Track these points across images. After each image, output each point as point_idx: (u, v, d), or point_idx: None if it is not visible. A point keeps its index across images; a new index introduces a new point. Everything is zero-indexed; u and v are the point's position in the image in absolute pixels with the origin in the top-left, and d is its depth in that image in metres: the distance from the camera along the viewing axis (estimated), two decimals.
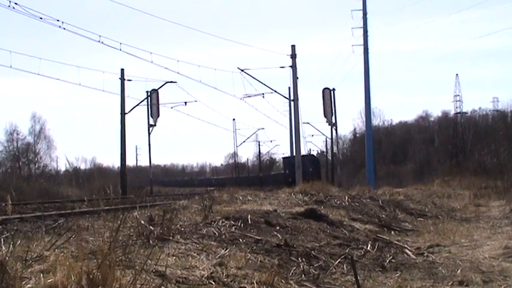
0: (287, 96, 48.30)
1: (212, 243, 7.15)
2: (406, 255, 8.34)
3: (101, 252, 4.74)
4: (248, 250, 7.07)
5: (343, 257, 7.63)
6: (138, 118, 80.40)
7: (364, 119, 52.97)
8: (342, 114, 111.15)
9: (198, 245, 6.84)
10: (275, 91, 39.45)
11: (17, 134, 64.44)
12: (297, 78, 36.48)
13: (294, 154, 40.27)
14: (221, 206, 11.42)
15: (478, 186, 26.61)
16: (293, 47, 36.37)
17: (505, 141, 48.49)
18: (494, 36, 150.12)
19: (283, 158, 64.74)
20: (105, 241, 5.13)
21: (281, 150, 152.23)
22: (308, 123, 61.55)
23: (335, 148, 53.82)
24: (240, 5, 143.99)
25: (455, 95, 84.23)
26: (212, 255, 6.48)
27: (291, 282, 5.91)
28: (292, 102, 40.42)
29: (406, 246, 9.19)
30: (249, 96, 40.90)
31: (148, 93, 44.53)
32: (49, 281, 4.36)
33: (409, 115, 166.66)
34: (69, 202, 23.94)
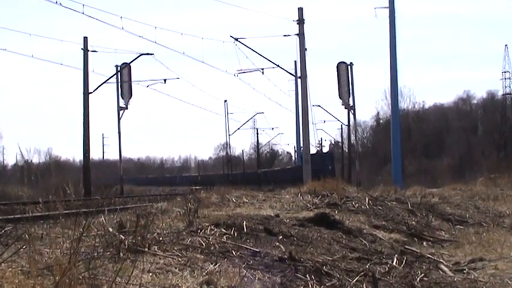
0: (293, 72, 48.29)
1: (198, 256, 7.16)
2: (441, 272, 8.35)
3: (58, 267, 4.73)
4: (243, 265, 7.07)
5: (362, 274, 7.63)
6: (105, 99, 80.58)
7: (389, 101, 52.94)
8: (361, 95, 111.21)
9: (180, 259, 6.84)
10: (278, 66, 39.43)
11: None
12: (306, 49, 36.47)
13: (302, 144, 40.28)
14: (209, 209, 11.41)
15: None
16: (300, 10, 36.29)
17: None
18: None
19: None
20: (64, 253, 5.13)
21: (285, 140, 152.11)
22: (319, 106, 61.39)
23: (353, 137, 53.94)
24: None
25: (504, 72, 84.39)
26: (198, 272, 6.48)
27: None
28: (299, 80, 40.39)
29: (441, 260, 9.20)
30: (245, 72, 40.93)
31: (118, 68, 44.47)
32: None
33: (446, 96, 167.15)
34: (19, 204, 23.89)
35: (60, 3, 29.17)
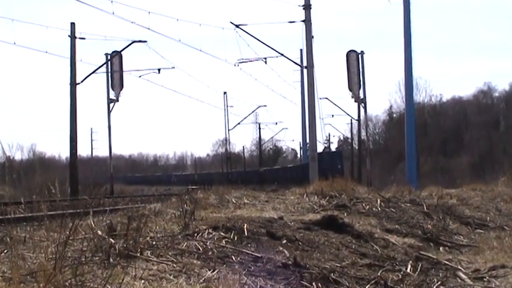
0: (298, 61, 48.25)
1: (194, 261, 7.16)
2: (459, 280, 8.35)
3: (43, 273, 4.74)
4: (244, 272, 7.08)
5: (373, 282, 7.64)
6: (94, 91, 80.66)
7: (403, 94, 53.00)
8: (373, 87, 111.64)
9: (175, 265, 6.84)
10: (282, 55, 39.50)
11: None
12: (312, 37, 36.46)
13: (308, 140, 40.31)
14: (207, 211, 11.42)
15: None
16: None
17: None
18: None
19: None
20: (48, 258, 5.13)
21: (290, 136, 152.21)
22: (327, 98, 61.40)
23: (363, 133, 54.02)
24: None
25: None
26: (195, 279, 6.49)
27: None
28: (305, 70, 40.39)
29: (459, 267, 9.20)
30: (246, 62, 40.98)
31: (109, 57, 44.51)
32: None
33: (466, 89, 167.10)
34: (0, 205, 23.93)
35: None
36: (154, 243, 7.67)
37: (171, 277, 6.42)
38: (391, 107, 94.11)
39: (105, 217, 9.40)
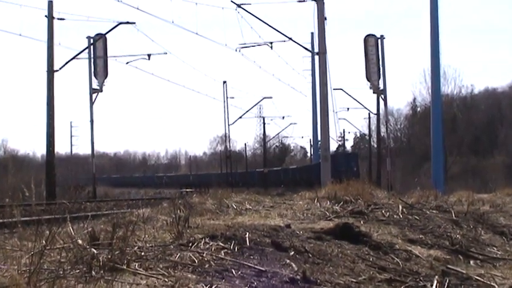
0: (309, 47, 48.31)
1: (189, 275, 7.16)
2: None
3: (15, 287, 4.74)
4: (245, 287, 7.08)
5: None
6: (74, 79, 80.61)
7: (429, 85, 52.99)
8: (394, 77, 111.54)
9: (166, 279, 6.84)
10: (290, 39, 39.46)
11: None
12: (325, 18, 36.45)
13: (320, 137, 40.36)
14: (204, 218, 11.43)
15: None
16: None
17: None
18: None
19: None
20: (22, 271, 5.11)
21: (298, 132, 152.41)
22: (341, 89, 61.48)
23: (383, 129, 53.99)
24: None
25: None
26: None
27: None
28: (316, 57, 40.37)
29: (493, 284, 9.19)
30: (249, 47, 40.96)
31: (91, 41, 44.54)
32: None
33: (501, 79, 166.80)
34: None
35: None
36: (143, 254, 7.67)
37: None
38: (414, 99, 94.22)
39: (86, 224, 9.41)
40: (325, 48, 36.45)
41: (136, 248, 7.86)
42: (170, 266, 7.36)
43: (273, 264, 8.32)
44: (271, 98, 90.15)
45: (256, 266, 7.97)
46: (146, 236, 8.93)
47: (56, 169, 41.88)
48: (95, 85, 45.02)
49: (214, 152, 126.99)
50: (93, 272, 6.51)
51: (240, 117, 77.57)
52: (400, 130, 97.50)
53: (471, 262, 11.19)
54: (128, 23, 42.47)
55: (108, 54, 44.87)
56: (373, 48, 41.78)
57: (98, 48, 44.57)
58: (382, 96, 44.59)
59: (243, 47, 41.33)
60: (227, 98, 72.78)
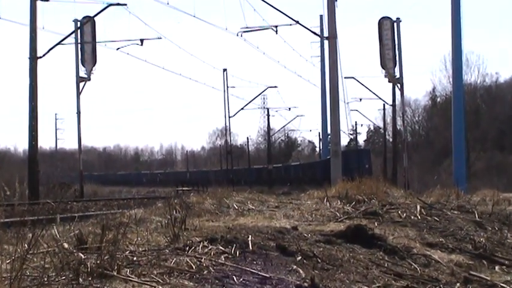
0: (317, 31, 48.33)
1: (186, 282, 7.16)
2: None
3: None
4: None
5: None
6: (60, 66, 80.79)
7: (450, 73, 52.96)
8: (411, 64, 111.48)
9: (161, 286, 6.83)
10: (297, 22, 39.44)
11: None
12: (336, 0, 36.40)
13: (330, 131, 40.40)
14: (202, 219, 11.43)
15: None
16: None
17: None
18: None
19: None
20: (2, 277, 5.09)
21: (306, 125, 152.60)
22: (353, 78, 61.48)
23: (399, 122, 53.95)
24: None
25: None
26: None
27: None
28: (326, 42, 40.42)
29: None
30: (252, 31, 40.93)
31: (78, 24, 44.55)
32: None
33: None
34: None
35: None
36: (135, 259, 7.67)
37: None
38: (434, 89, 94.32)
39: (73, 226, 9.41)
40: (335, 33, 36.43)
41: (127, 252, 7.86)
42: (165, 272, 7.36)
43: (278, 270, 8.31)
44: (276, 87, 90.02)
45: (259, 272, 7.97)
46: (139, 239, 8.94)
47: (40, 165, 41.95)
48: (82, 73, 45.03)
49: (213, 147, 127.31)
50: (80, 279, 6.52)
51: (242, 108, 77.71)
52: (418, 123, 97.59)
53: (496, 268, 11.16)
54: (118, 4, 42.52)
55: (97, 39, 44.91)
56: (388, 33, 41.69)
57: (85, 33, 44.58)
58: (399, 85, 44.53)
59: (245, 31, 41.35)
60: (228, 87, 72.93)
